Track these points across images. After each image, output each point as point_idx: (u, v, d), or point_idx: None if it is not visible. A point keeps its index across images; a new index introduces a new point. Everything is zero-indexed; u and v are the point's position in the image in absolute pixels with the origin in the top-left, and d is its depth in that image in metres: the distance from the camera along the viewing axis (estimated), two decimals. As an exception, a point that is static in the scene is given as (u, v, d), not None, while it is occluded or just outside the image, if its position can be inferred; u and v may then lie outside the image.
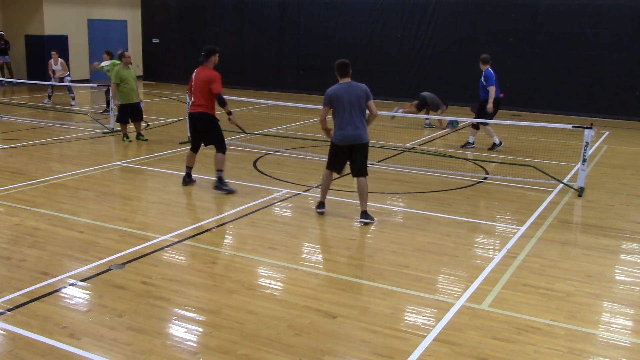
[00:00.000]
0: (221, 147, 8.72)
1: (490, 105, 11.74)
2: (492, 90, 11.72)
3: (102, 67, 15.19)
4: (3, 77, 21.54)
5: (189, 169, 9.07)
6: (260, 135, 13.19)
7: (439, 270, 6.17)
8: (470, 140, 12.58)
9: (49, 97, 18.28)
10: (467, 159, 11.27)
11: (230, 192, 8.63)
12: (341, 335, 4.77)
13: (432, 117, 14.67)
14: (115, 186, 9.12)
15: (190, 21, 24.01)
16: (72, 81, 18.35)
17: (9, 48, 22.34)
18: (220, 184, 8.70)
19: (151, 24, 24.87)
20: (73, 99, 18.13)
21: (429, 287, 5.74)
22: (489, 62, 11.94)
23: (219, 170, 8.71)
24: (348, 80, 7.39)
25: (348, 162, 7.63)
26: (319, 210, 7.80)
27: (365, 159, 7.58)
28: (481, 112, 12.01)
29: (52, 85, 18.05)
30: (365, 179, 7.54)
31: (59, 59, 17.86)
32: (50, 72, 17.95)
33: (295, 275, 5.94)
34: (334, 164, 7.68)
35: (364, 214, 7.52)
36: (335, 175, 7.81)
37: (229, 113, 8.55)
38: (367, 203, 7.58)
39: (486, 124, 12.08)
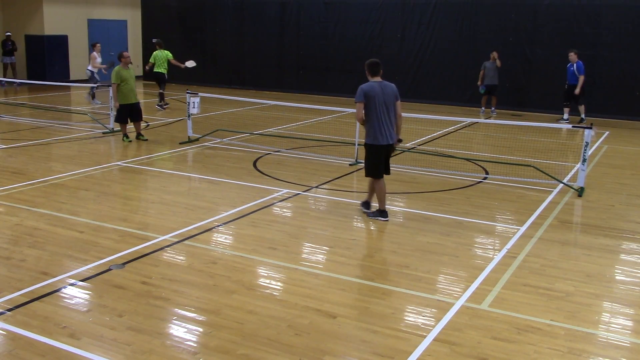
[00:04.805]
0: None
1: (578, 90, 15.66)
2: (582, 78, 15.60)
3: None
4: (5, 77, 21.50)
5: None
6: (260, 135, 13.19)
7: (439, 270, 6.17)
8: (565, 117, 16.25)
9: (94, 96, 17.53)
10: (467, 159, 11.26)
11: None
12: (341, 335, 4.77)
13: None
14: (115, 186, 9.12)
15: (190, 21, 24.00)
16: (72, 81, 18.28)
17: (15, 49, 22.31)
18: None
19: (151, 24, 24.84)
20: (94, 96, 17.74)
21: (429, 287, 5.74)
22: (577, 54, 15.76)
23: None
24: (379, 79, 7.44)
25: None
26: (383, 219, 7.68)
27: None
28: (572, 94, 15.87)
29: (96, 82, 17.19)
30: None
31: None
32: (94, 68, 17.29)
33: (295, 275, 5.94)
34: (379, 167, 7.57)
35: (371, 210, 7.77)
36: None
37: None
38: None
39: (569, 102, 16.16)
